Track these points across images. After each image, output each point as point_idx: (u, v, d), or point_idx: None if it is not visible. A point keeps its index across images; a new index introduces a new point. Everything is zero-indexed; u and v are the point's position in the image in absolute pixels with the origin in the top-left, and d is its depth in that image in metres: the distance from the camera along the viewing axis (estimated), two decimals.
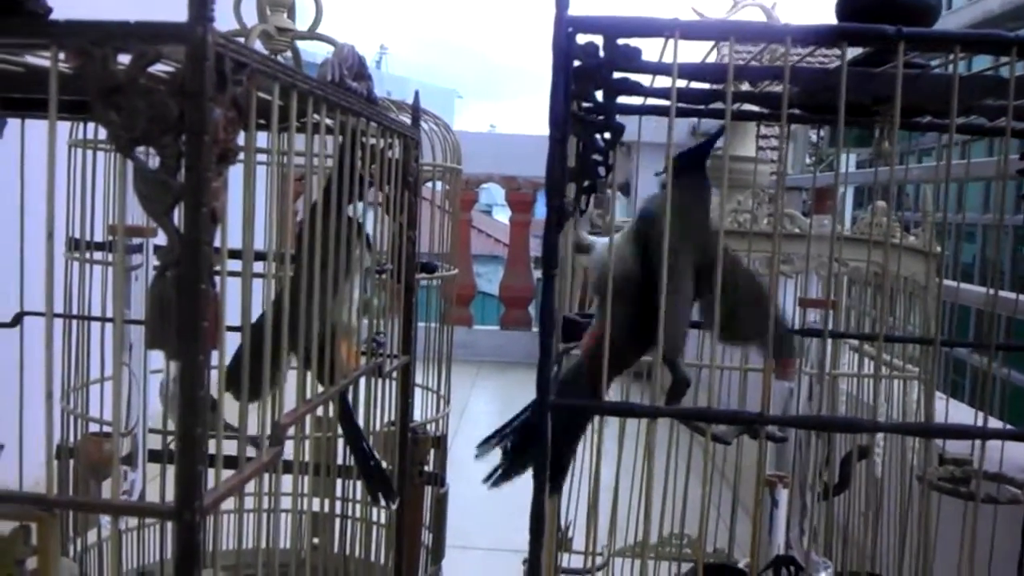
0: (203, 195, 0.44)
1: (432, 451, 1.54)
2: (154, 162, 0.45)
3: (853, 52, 0.78)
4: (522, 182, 4.58)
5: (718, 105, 0.82)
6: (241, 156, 0.50)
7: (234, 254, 0.53)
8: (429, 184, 1.56)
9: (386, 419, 1.07)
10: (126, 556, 1.41)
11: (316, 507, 0.99)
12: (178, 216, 0.45)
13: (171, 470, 1.34)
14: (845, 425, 0.73)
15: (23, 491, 0.47)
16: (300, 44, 1.35)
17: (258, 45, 1.29)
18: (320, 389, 0.71)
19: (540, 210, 5.32)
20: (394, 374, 0.93)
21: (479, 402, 3.75)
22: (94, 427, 1.31)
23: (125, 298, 1.19)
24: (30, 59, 0.67)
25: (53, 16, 0.75)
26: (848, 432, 0.99)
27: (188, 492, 0.45)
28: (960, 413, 1.21)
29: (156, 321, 0.45)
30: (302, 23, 1.37)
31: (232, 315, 0.53)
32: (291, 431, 0.61)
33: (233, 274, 0.56)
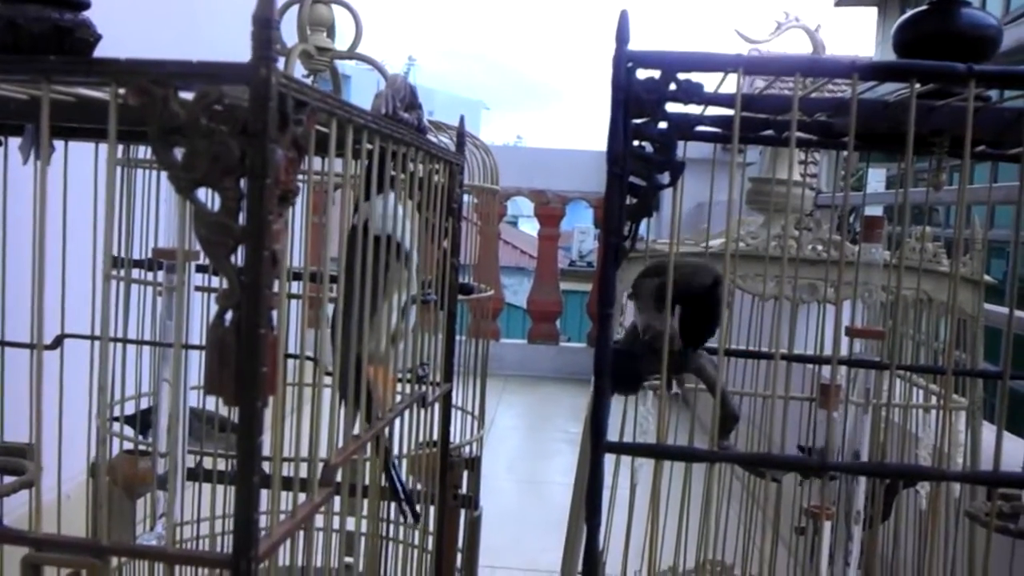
0: (265, 238, 0.43)
1: (466, 473, 1.53)
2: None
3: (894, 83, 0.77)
4: (551, 196, 4.57)
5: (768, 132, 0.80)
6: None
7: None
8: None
9: (418, 441, 1.06)
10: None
11: (350, 527, 0.98)
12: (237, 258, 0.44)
13: (206, 489, 1.33)
14: (911, 473, 0.71)
15: (73, 537, 0.46)
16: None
17: (298, 65, 1.29)
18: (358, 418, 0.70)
19: (567, 223, 5.31)
20: (436, 402, 0.92)
21: (506, 417, 3.74)
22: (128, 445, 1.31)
23: (163, 317, 1.19)
24: (82, 91, 0.66)
25: (100, 45, 0.75)
26: (914, 479, 0.97)
27: (244, 541, 0.44)
28: (1012, 445, 1.18)
29: (214, 366, 0.44)
30: (340, 42, 1.37)
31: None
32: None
33: (292, 296, 0.55)
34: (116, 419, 1.31)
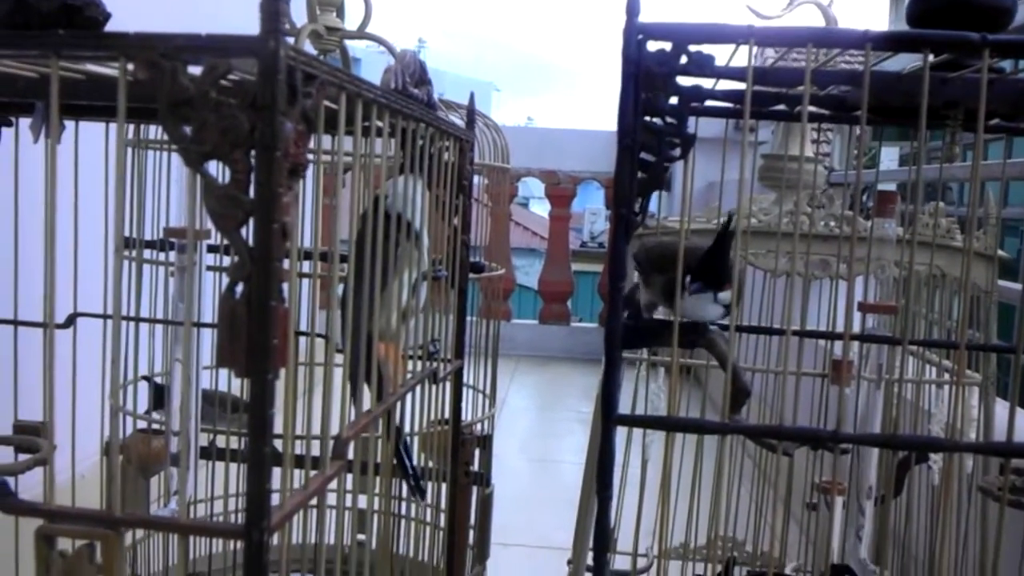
0: (274, 211, 0.43)
1: (477, 451, 1.53)
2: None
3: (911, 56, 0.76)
4: (562, 176, 4.56)
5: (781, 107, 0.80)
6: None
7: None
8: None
9: (429, 418, 1.06)
10: (171, 552, 1.42)
11: (362, 504, 0.99)
12: (247, 231, 0.44)
13: (219, 467, 1.34)
14: (924, 444, 0.71)
15: (87, 508, 0.47)
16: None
17: (307, 45, 1.29)
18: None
19: (578, 204, 5.30)
20: (448, 378, 0.92)
21: (518, 397, 3.75)
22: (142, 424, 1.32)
23: (175, 297, 1.19)
24: (91, 67, 0.66)
25: (109, 24, 0.75)
26: (927, 451, 0.96)
27: (257, 512, 0.45)
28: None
29: (225, 338, 0.44)
30: (349, 21, 1.36)
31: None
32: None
33: (303, 275, 0.56)
34: (145, 379, 1.31)
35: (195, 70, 0.45)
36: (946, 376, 1.11)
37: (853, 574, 1.10)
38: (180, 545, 0.46)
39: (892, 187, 2.29)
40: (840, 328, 1.12)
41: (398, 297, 0.78)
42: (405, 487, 1.34)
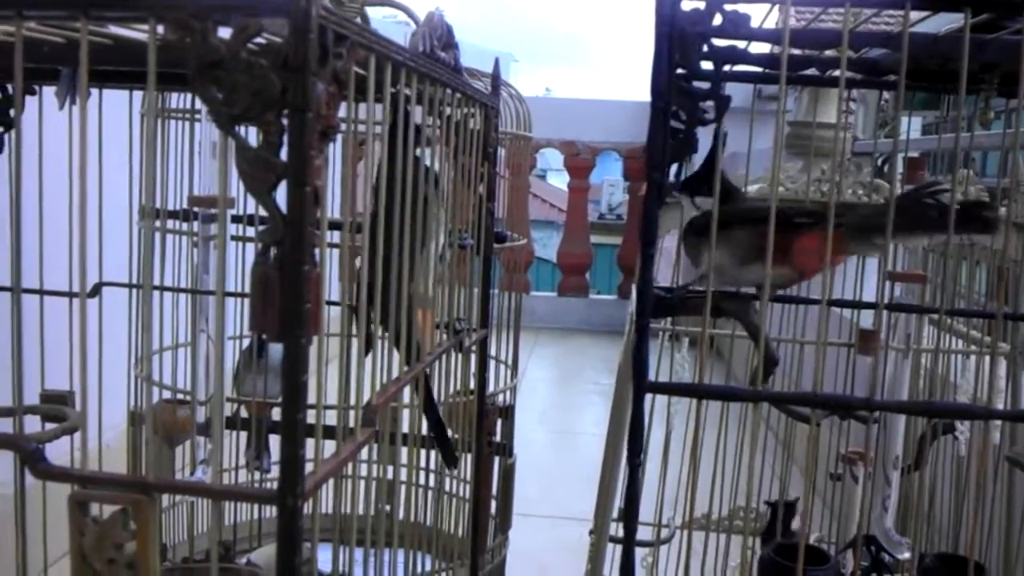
0: (306, 174, 0.43)
1: (499, 421, 1.54)
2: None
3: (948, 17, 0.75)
4: (581, 147, 4.54)
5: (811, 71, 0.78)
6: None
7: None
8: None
9: (453, 389, 1.06)
10: (198, 519, 1.43)
11: (388, 475, 0.99)
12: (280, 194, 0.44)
13: (242, 437, 1.34)
14: (958, 412, 0.70)
15: (119, 474, 0.47)
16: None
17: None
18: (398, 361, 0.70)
19: (597, 175, 5.27)
20: (473, 348, 0.92)
21: (537, 369, 3.75)
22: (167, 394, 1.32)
23: (202, 266, 1.19)
24: (115, 30, 0.66)
25: None
26: (961, 419, 0.96)
27: (290, 477, 0.45)
28: None
29: (259, 303, 0.44)
30: None
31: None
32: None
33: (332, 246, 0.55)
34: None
35: (224, 32, 0.44)
36: (973, 347, 1.10)
37: (878, 544, 1.09)
38: (214, 510, 0.46)
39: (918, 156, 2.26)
40: (867, 297, 1.11)
41: (431, 262, 0.77)
42: (434, 458, 1.35)
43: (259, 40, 0.44)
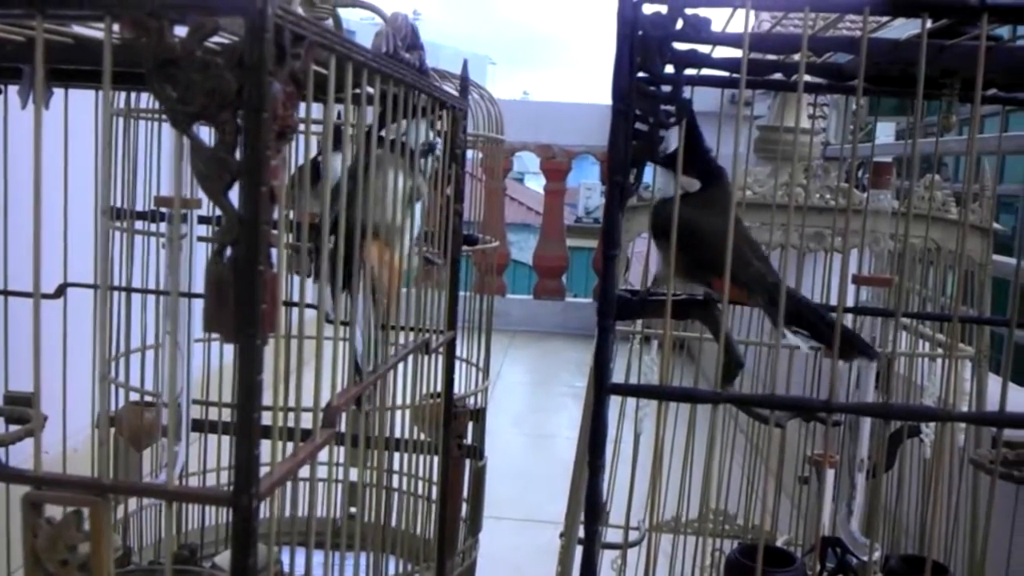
0: (262, 174, 0.43)
1: (471, 424, 1.53)
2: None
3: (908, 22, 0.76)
4: (557, 151, 4.54)
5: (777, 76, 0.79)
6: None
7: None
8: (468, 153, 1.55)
9: (424, 391, 1.05)
10: (163, 524, 1.42)
11: (353, 478, 0.98)
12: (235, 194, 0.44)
13: (211, 440, 1.33)
14: (918, 414, 0.71)
15: (75, 475, 0.46)
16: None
17: (300, 12, 1.27)
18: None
19: (573, 179, 5.28)
20: (440, 349, 0.92)
21: (512, 372, 3.75)
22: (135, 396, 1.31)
23: (167, 267, 1.18)
24: (78, 29, 0.65)
25: None
26: (921, 421, 0.96)
27: (245, 478, 0.44)
28: (1017, 395, 1.18)
29: (212, 303, 0.44)
30: None
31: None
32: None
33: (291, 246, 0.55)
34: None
35: (181, 31, 0.44)
36: (939, 350, 1.11)
37: (843, 546, 1.10)
38: (168, 512, 0.46)
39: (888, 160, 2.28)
40: (834, 301, 1.11)
41: (394, 192, 0.73)
42: (396, 460, 1.34)
43: (219, 40, 0.44)
